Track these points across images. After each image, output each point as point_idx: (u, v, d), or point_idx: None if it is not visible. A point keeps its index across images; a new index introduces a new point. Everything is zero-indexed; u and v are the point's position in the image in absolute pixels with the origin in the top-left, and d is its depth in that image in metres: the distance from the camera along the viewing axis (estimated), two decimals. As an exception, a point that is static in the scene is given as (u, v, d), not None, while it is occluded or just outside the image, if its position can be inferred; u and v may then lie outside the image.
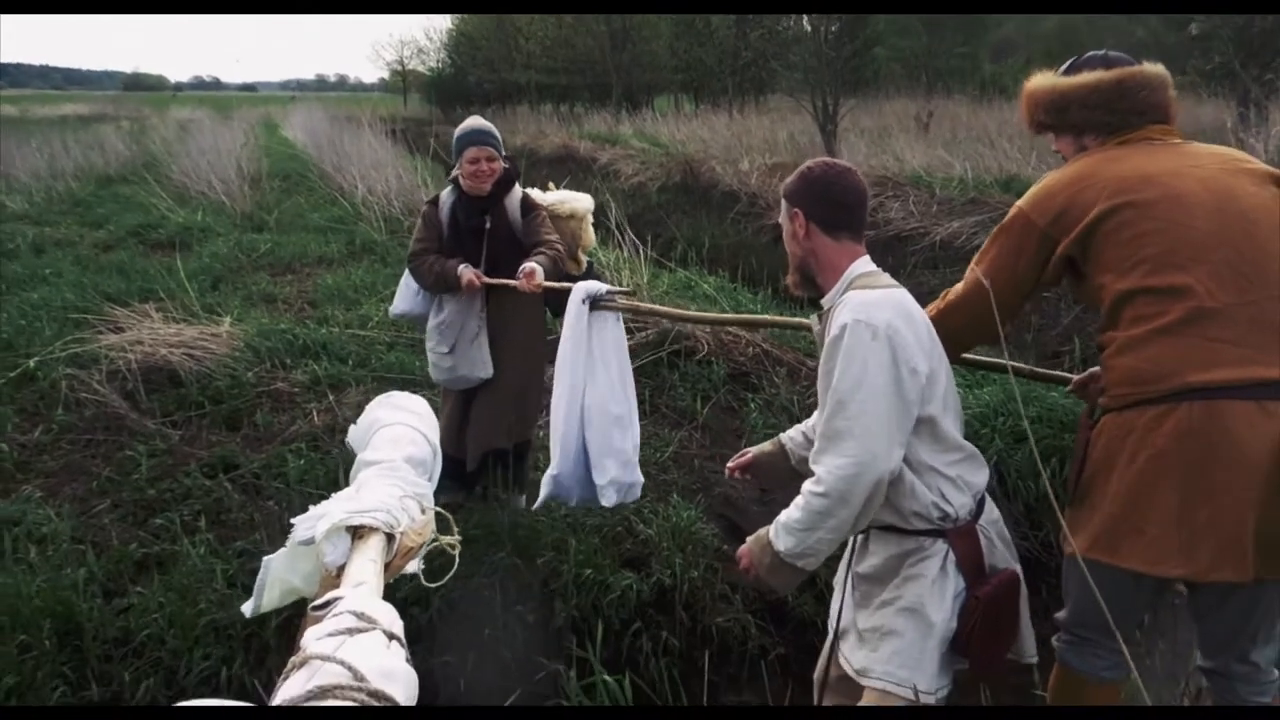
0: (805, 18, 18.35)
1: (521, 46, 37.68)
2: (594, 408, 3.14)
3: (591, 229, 4.18)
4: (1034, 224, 2.28)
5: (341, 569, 1.09)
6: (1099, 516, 2.17)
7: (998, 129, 15.23)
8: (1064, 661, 2.45)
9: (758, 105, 26.62)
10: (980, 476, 2.19)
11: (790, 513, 2.07)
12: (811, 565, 2.12)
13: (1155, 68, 2.39)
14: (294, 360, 5.56)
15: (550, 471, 3.14)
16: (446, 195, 3.82)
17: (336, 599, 0.99)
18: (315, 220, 10.85)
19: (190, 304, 6.35)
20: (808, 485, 2.03)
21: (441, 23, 63.54)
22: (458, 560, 1.26)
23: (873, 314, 1.99)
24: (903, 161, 13.20)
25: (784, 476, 2.67)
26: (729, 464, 2.82)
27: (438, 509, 1.27)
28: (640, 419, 4.94)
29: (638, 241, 6.75)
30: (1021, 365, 2.87)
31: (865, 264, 2.20)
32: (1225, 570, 2.01)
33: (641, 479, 3.27)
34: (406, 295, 3.95)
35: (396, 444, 1.32)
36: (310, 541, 1.12)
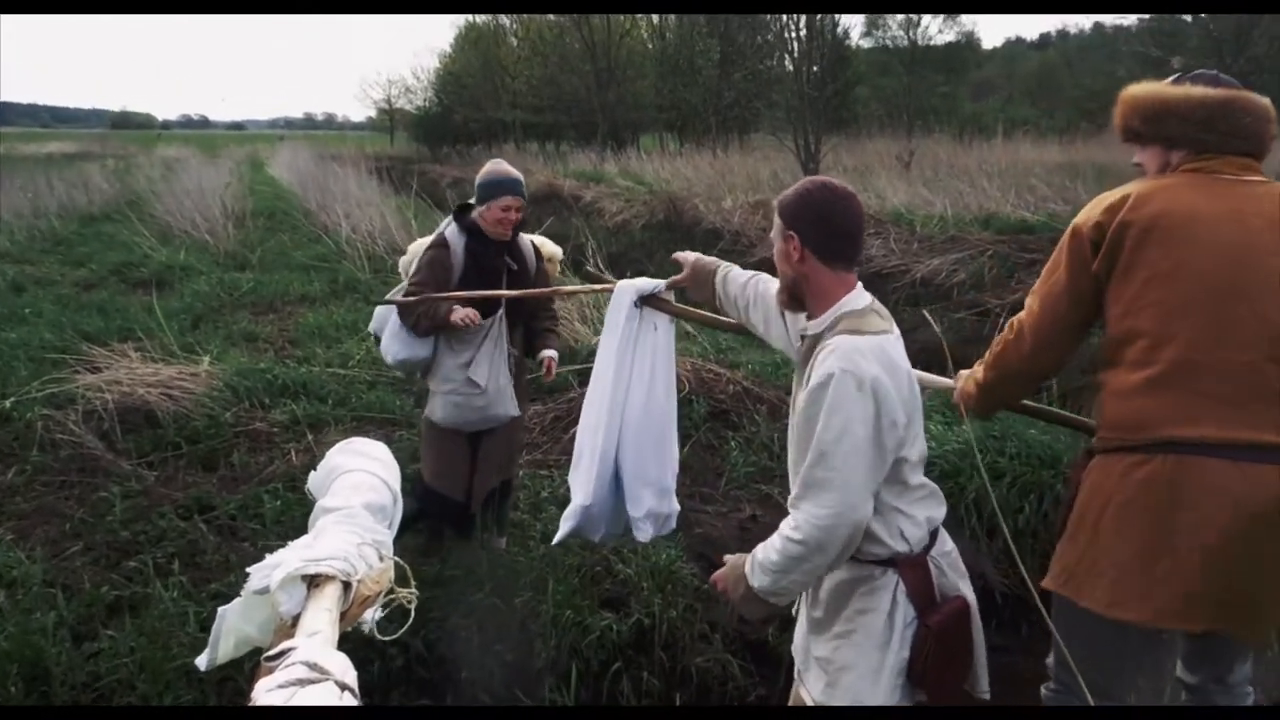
0: (788, 58, 18.58)
1: (508, 85, 38.00)
2: (632, 427, 2.75)
3: None
4: (1080, 232, 2.25)
5: (297, 619, 1.08)
6: (1072, 554, 2.22)
7: (978, 167, 15.41)
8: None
9: (741, 144, 26.89)
10: (938, 511, 2.19)
11: (767, 553, 2.06)
12: (783, 602, 2.14)
13: (1263, 98, 2.30)
14: (273, 400, 5.54)
15: (579, 502, 2.74)
16: (455, 236, 3.70)
17: (289, 649, 0.98)
18: (299, 259, 10.85)
19: (169, 343, 6.32)
20: (786, 530, 2.02)
21: (428, 62, 64.03)
22: (414, 613, 1.24)
23: (860, 365, 1.95)
24: (884, 199, 13.33)
25: (706, 295, 2.66)
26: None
27: (396, 559, 1.27)
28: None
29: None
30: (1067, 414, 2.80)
31: (858, 297, 2.14)
32: (1178, 619, 2.05)
33: (678, 508, 2.95)
34: (406, 340, 3.69)
35: (356, 490, 1.31)
36: (265, 591, 1.11)
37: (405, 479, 3.71)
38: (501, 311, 3.72)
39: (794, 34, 17.58)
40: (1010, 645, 3.93)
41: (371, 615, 1.21)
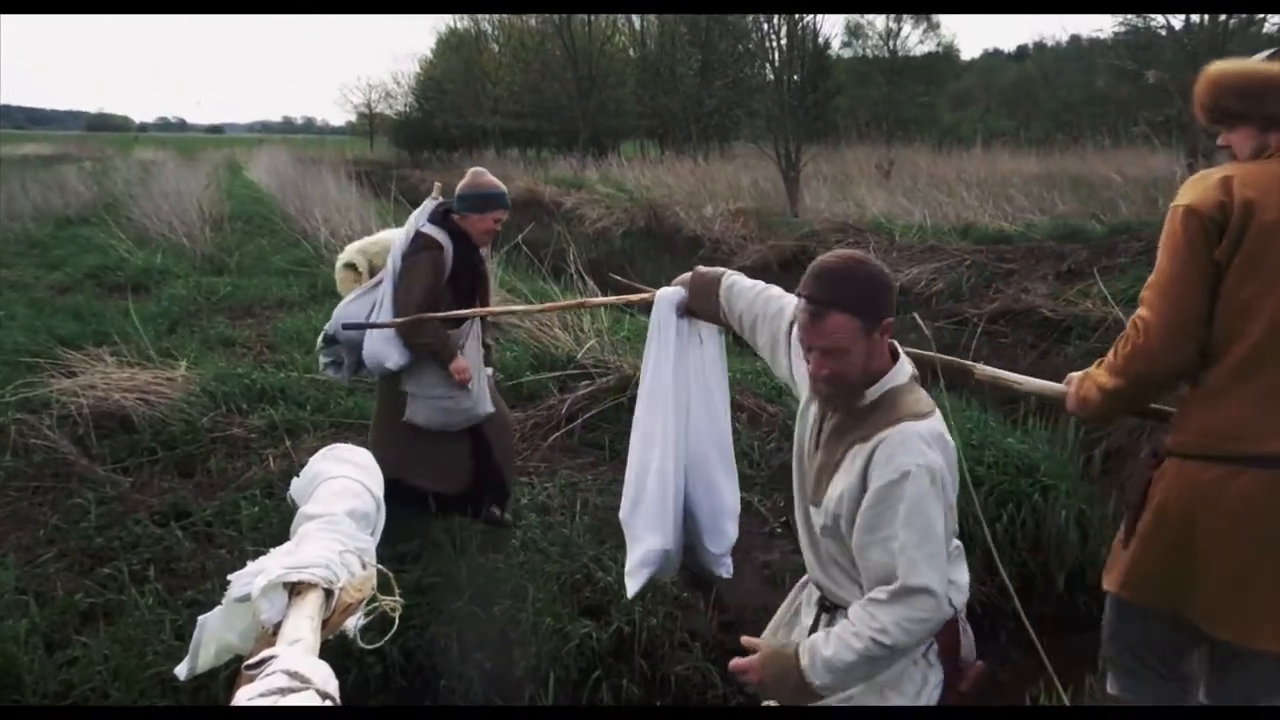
0: (768, 66, 18.66)
1: (489, 91, 37.98)
2: (700, 457, 2.48)
3: None
4: (1199, 212, 2.05)
5: (278, 626, 1.08)
6: (1150, 561, 2.17)
7: (956, 177, 15.53)
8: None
9: (722, 152, 27.03)
10: (965, 573, 2.10)
11: (839, 652, 1.89)
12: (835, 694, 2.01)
13: None
14: (250, 405, 5.50)
15: (656, 546, 2.43)
16: (444, 239, 3.74)
17: (270, 657, 0.97)
18: (277, 263, 10.78)
19: (145, 348, 6.26)
20: (870, 632, 1.86)
21: (409, 67, 63.90)
22: (397, 620, 1.24)
23: (930, 459, 1.86)
24: (863, 208, 13.40)
25: (710, 308, 2.50)
26: None
27: (379, 566, 1.26)
28: (601, 465, 4.97)
29: (597, 289, 6.78)
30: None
31: (904, 368, 1.99)
32: (1272, 641, 2.03)
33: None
34: (400, 347, 3.72)
35: (339, 497, 1.31)
36: (247, 598, 1.10)
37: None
38: (477, 322, 3.90)
39: (775, 43, 17.65)
40: (988, 653, 3.95)
41: (354, 623, 1.21)
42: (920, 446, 1.86)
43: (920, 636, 1.87)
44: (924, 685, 2.01)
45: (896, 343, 2.01)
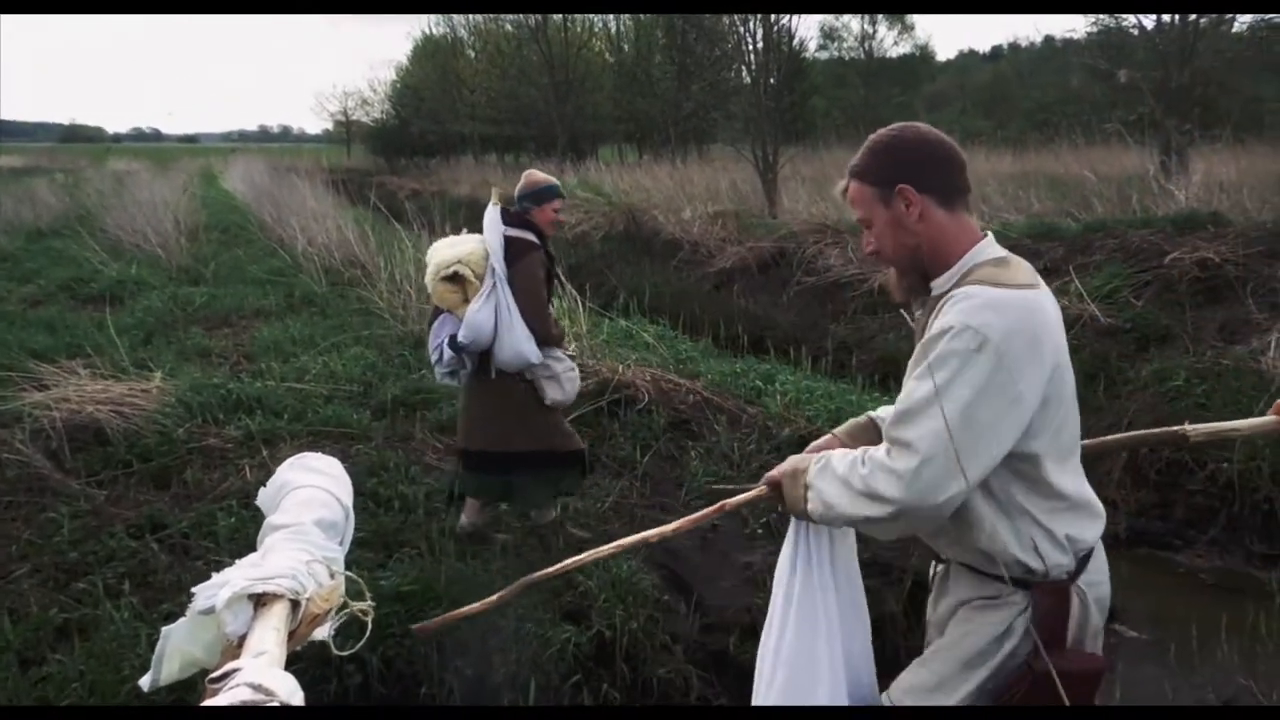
0: (745, 69, 18.71)
1: (466, 97, 37.86)
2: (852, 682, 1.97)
3: None
4: None
5: (244, 639, 1.06)
6: None
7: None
8: None
9: (700, 155, 27.03)
10: (1089, 531, 1.80)
11: (836, 462, 1.78)
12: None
13: None
14: (227, 415, 5.45)
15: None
16: (533, 237, 4.05)
17: (234, 671, 0.96)
18: (254, 272, 10.72)
19: (120, 360, 6.20)
20: (858, 455, 1.73)
21: (385, 74, 63.67)
22: (369, 626, 1.22)
23: (988, 321, 1.60)
24: (842, 209, 13.42)
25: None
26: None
27: (349, 574, 1.25)
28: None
29: (576, 293, 6.77)
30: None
31: (992, 246, 1.78)
32: None
33: None
34: (534, 342, 4.01)
35: (307, 507, 1.29)
36: (211, 611, 1.09)
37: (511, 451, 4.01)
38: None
39: (751, 45, 17.68)
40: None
41: (327, 631, 1.19)
42: (980, 310, 1.63)
43: (894, 496, 1.62)
44: (1004, 639, 1.74)
45: (975, 224, 1.82)
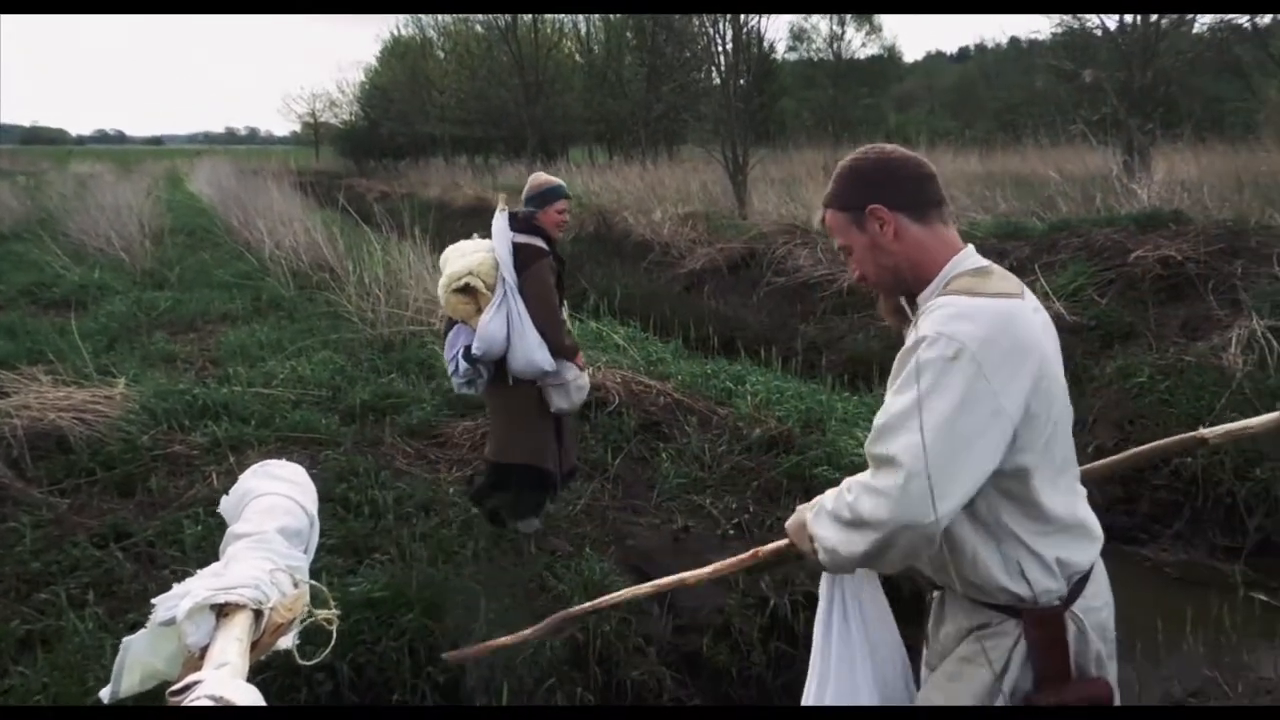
0: (715, 71, 18.77)
1: (435, 99, 37.67)
2: None
3: None
4: None
5: (206, 650, 1.05)
6: None
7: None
8: None
9: (670, 156, 27.04)
10: (1083, 554, 1.72)
11: (827, 500, 1.72)
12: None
13: None
14: (193, 422, 5.38)
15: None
16: (541, 243, 4.04)
17: (195, 682, 0.95)
18: (220, 276, 10.61)
19: (83, 365, 6.10)
20: (845, 485, 1.66)
21: (353, 75, 63.21)
22: (334, 635, 1.21)
23: (962, 331, 1.55)
24: (811, 210, 13.48)
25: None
26: None
27: (313, 583, 1.23)
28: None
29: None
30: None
31: (972, 256, 1.75)
32: None
33: None
34: (547, 350, 3.98)
35: (270, 515, 1.27)
36: (172, 622, 1.07)
37: (501, 469, 4.01)
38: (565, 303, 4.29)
39: (720, 47, 17.72)
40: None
41: (289, 643, 1.18)
42: (948, 315, 1.58)
43: (883, 518, 1.53)
44: (1004, 676, 1.68)
45: (955, 235, 1.78)
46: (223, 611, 1.08)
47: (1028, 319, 1.63)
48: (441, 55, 40.03)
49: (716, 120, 17.49)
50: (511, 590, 3.74)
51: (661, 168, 21.26)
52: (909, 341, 1.62)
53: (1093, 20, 15.38)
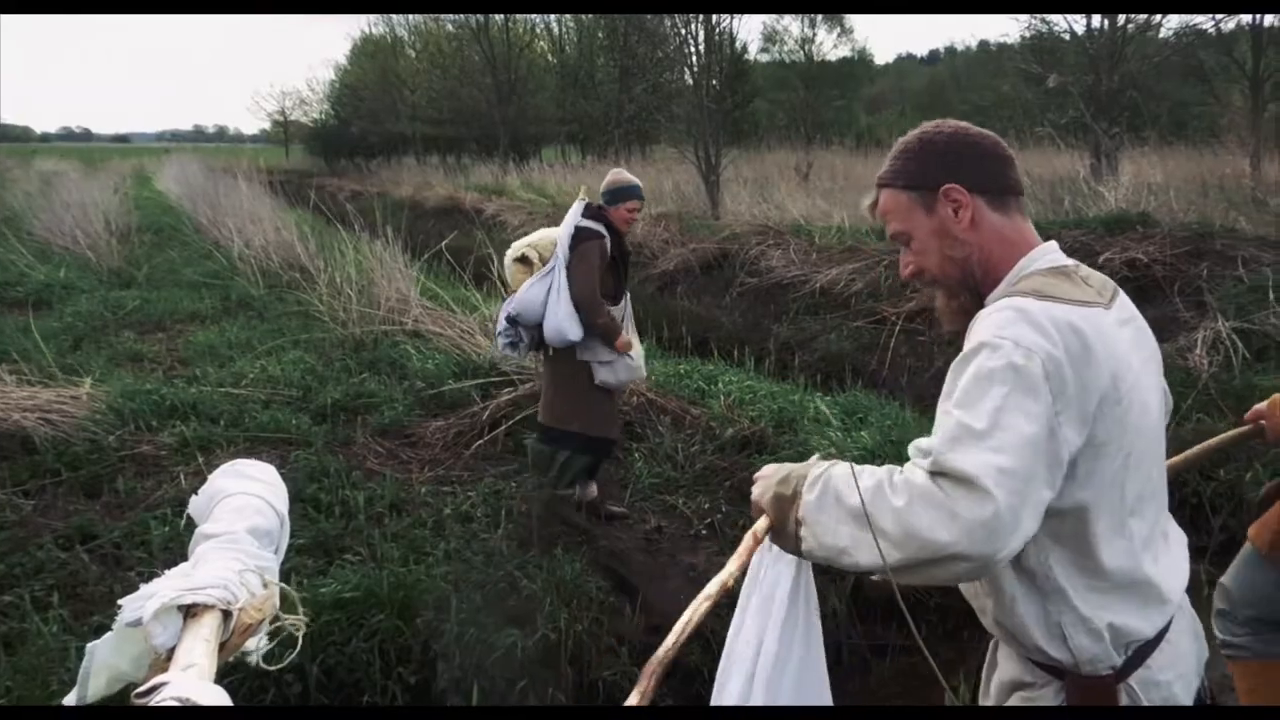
0: (687, 71, 18.77)
1: (406, 98, 37.49)
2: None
3: None
4: None
5: (173, 651, 1.03)
6: None
7: (874, 178, 15.78)
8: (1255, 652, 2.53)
9: (643, 156, 27.07)
10: (1143, 621, 1.44)
11: (842, 477, 1.41)
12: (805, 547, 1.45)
13: None
14: (161, 422, 5.32)
15: None
16: (601, 229, 4.39)
17: (161, 684, 0.93)
18: (189, 275, 10.49)
19: (47, 365, 6.01)
20: (884, 476, 1.39)
21: (324, 74, 62.77)
22: (300, 641, 1.20)
23: (1026, 335, 1.32)
24: (783, 210, 13.55)
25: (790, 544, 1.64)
26: None
27: (282, 584, 1.22)
28: (524, 472, 4.93)
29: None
30: None
31: (1051, 254, 1.51)
32: None
33: None
34: (578, 322, 4.30)
35: (239, 515, 1.26)
36: (138, 623, 1.05)
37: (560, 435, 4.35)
38: (628, 295, 4.64)
39: (693, 47, 17.76)
40: (912, 647, 4.03)
41: (256, 644, 1.17)
42: (1009, 319, 1.35)
43: (946, 541, 1.26)
44: None
45: (1033, 230, 1.55)
46: (190, 612, 1.07)
47: (1106, 331, 1.39)
48: (413, 54, 39.86)
49: (689, 121, 17.53)
50: (483, 590, 3.73)
51: (634, 168, 21.24)
52: (967, 345, 1.40)
53: (1061, 24, 15.59)
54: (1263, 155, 13.07)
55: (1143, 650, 1.44)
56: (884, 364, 7.96)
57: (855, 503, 1.36)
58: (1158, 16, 14.77)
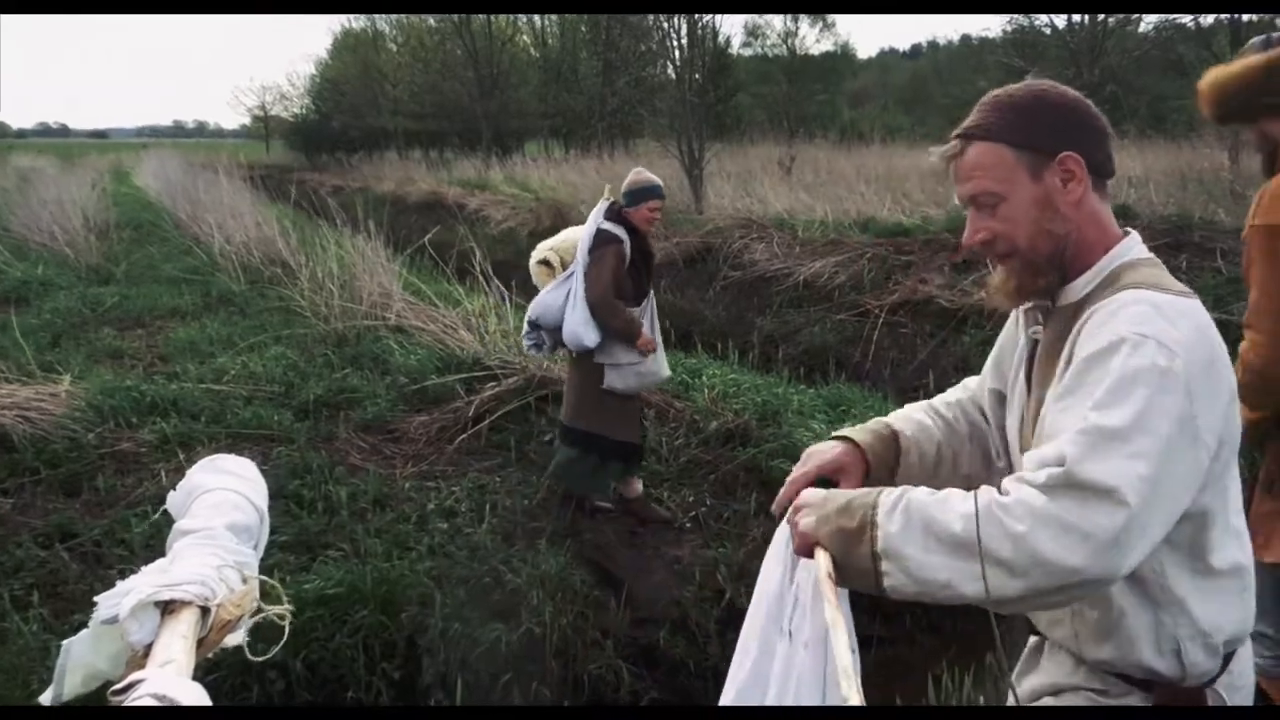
0: (670, 65, 18.76)
1: (388, 92, 37.29)
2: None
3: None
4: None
5: (150, 648, 1.02)
6: None
7: (856, 172, 15.86)
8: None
9: (626, 150, 27.03)
10: (1246, 612, 1.38)
11: (932, 507, 1.25)
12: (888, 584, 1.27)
13: None
14: (141, 419, 5.28)
15: None
16: (621, 232, 4.36)
17: (138, 681, 0.92)
18: (168, 271, 10.39)
19: (26, 363, 5.95)
20: (992, 499, 1.22)
21: (304, 68, 62.39)
22: (287, 630, 1.19)
23: (1167, 332, 1.23)
24: (766, 204, 13.57)
25: (884, 480, 1.55)
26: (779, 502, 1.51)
27: (263, 578, 1.21)
28: (508, 466, 4.93)
29: (504, 289, 6.71)
30: None
31: (1140, 244, 1.44)
32: None
33: None
34: (594, 326, 4.30)
35: (218, 510, 1.25)
36: (115, 620, 1.04)
37: (578, 430, 4.30)
38: (651, 294, 4.60)
39: (675, 42, 17.74)
40: (895, 637, 4.05)
41: (240, 638, 1.16)
42: (1149, 314, 1.25)
43: (1076, 564, 1.15)
44: None
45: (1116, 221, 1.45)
46: (168, 609, 1.06)
47: (1213, 326, 1.32)
48: (394, 48, 39.64)
49: (672, 115, 17.52)
50: (467, 585, 3.72)
51: (618, 162, 21.23)
52: (1098, 342, 1.26)
53: (1042, 18, 15.67)
54: (1241, 148, 13.17)
55: (1235, 650, 1.39)
56: (867, 356, 7.99)
57: (955, 531, 1.21)
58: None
